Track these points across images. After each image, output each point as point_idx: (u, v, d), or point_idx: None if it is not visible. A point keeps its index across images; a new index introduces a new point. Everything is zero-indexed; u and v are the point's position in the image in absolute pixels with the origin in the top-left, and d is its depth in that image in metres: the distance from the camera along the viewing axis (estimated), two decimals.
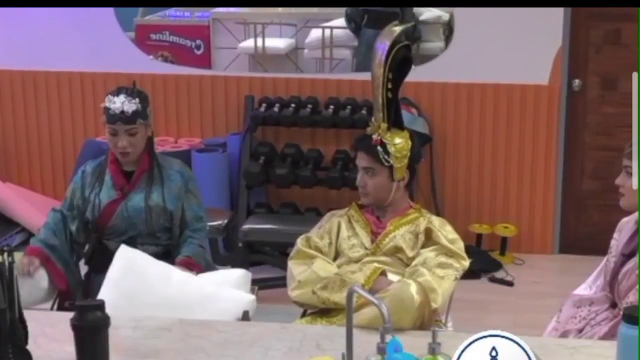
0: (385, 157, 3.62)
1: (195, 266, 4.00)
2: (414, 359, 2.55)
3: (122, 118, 4.00)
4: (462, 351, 2.39)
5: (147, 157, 4.14)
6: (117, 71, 6.81)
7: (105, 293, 3.57)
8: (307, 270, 3.60)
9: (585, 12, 6.34)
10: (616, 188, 3.48)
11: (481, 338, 2.40)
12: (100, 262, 3.96)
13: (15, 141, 7.00)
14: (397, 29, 3.63)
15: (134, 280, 3.66)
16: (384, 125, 3.62)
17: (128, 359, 2.94)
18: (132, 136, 4.04)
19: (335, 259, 3.72)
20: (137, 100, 4.03)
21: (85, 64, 6.85)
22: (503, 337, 2.40)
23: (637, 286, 3.33)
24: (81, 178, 4.18)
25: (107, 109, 4.03)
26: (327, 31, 7.30)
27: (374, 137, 3.64)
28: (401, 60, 3.62)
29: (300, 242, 3.75)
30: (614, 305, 3.47)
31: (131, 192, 4.11)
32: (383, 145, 3.62)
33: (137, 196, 4.10)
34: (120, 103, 4.00)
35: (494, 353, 2.38)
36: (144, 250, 3.93)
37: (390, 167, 3.64)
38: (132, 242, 4.01)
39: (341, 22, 7.30)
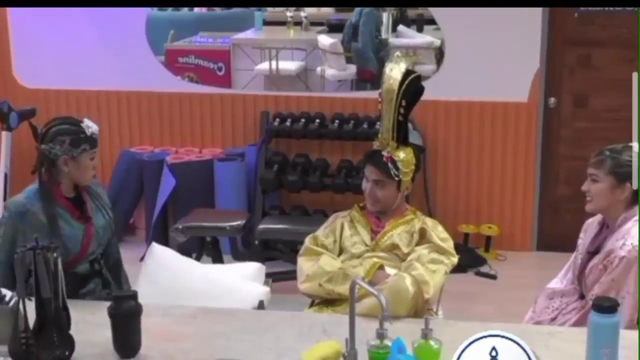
0: (396, 172, 3.61)
1: None
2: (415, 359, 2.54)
3: (98, 138, 3.56)
4: (463, 351, 2.29)
5: None
6: (149, 90, 6.84)
7: (138, 285, 3.58)
8: (314, 266, 3.59)
9: (560, 38, 6.33)
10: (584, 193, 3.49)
11: (481, 338, 2.29)
12: (75, 288, 3.49)
13: None
14: (404, 58, 3.62)
15: (163, 273, 3.67)
16: (393, 144, 3.61)
17: (158, 342, 2.94)
18: None
19: (339, 255, 3.72)
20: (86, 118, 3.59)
21: (121, 84, 6.87)
22: (503, 337, 2.29)
23: (602, 279, 3.33)
24: (27, 218, 3.44)
25: (90, 136, 3.48)
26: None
27: (384, 154, 3.62)
28: (415, 90, 3.61)
29: (308, 240, 3.74)
30: (582, 296, 3.47)
31: (93, 215, 3.59)
32: (393, 161, 3.61)
33: (97, 216, 3.61)
34: (94, 126, 3.53)
35: (494, 353, 2.27)
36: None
37: (399, 180, 3.63)
38: (97, 260, 3.65)
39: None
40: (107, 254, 3.75)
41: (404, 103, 3.57)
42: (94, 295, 3.61)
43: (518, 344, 2.29)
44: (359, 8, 7.05)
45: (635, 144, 3.05)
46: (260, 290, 3.70)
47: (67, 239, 3.47)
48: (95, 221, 3.59)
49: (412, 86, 3.58)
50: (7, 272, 3.36)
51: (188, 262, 3.86)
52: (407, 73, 3.57)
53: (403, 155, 3.62)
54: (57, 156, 3.45)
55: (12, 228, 3.44)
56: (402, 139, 3.63)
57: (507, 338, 2.29)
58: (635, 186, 3.08)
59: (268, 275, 4.00)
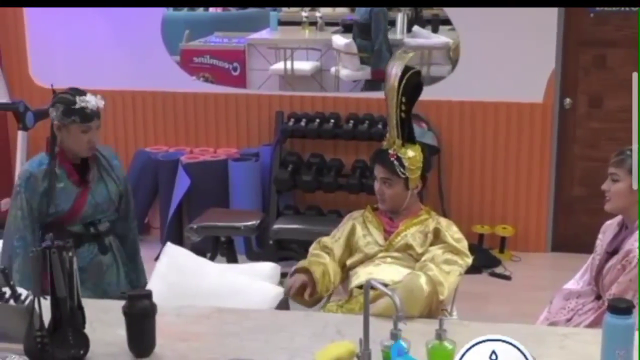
0: (401, 169, 3.60)
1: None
2: None
3: (97, 114, 3.68)
4: (463, 355, 2.29)
5: None
6: (164, 90, 6.86)
7: (153, 284, 3.58)
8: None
9: (576, 38, 6.32)
10: (601, 194, 3.47)
11: (481, 342, 2.29)
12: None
13: None
14: (407, 55, 3.62)
15: (178, 274, 3.68)
16: (398, 142, 3.61)
17: (172, 341, 2.94)
18: (98, 129, 3.73)
19: (344, 253, 3.74)
20: (98, 95, 3.74)
21: (137, 83, 6.90)
22: (503, 341, 2.28)
23: (620, 279, 3.31)
24: (30, 185, 3.69)
25: (81, 110, 3.63)
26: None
27: (390, 151, 3.62)
28: (414, 86, 3.61)
29: (312, 246, 3.79)
30: (598, 297, 3.46)
31: (92, 183, 3.76)
32: (399, 159, 3.61)
33: (99, 186, 3.78)
34: (94, 101, 3.66)
35: (493, 357, 2.27)
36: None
37: (406, 178, 3.63)
38: (93, 224, 3.79)
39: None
40: (123, 235, 3.95)
41: (404, 99, 3.56)
42: (87, 258, 3.76)
43: (518, 348, 2.28)
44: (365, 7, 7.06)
45: (635, 145, 3.03)
46: (274, 291, 3.70)
47: (58, 195, 3.68)
48: (94, 189, 3.75)
49: (411, 82, 3.57)
50: (29, 249, 3.40)
51: (202, 262, 3.87)
52: (406, 69, 3.56)
53: (411, 153, 3.61)
54: (53, 120, 3.67)
55: (23, 197, 3.69)
56: (407, 137, 3.63)
57: (507, 342, 2.29)
58: (635, 186, 3.06)
59: (282, 275, 4.00)
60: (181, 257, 3.79)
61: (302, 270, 3.58)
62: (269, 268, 3.91)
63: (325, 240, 3.79)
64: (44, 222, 3.73)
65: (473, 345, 2.29)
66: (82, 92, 3.69)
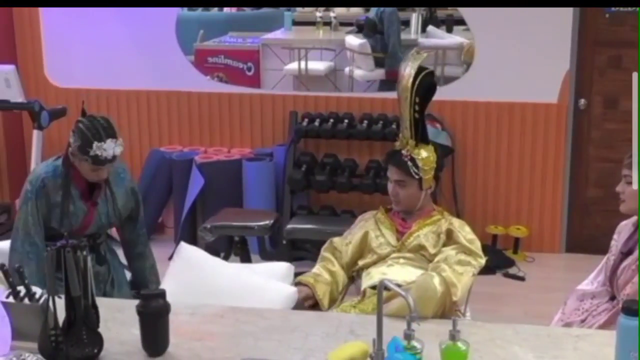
0: (415, 170, 3.60)
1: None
2: (415, 358, 2.54)
3: (111, 160, 3.60)
4: None
5: None
6: (178, 89, 6.88)
7: (167, 284, 3.59)
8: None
9: (591, 39, 6.30)
10: (616, 195, 3.46)
11: None
12: None
13: None
14: (421, 55, 3.62)
15: (191, 273, 3.67)
16: (411, 142, 3.61)
17: (186, 341, 2.95)
18: (110, 168, 3.69)
19: (353, 258, 3.75)
20: (121, 140, 3.62)
21: (152, 83, 6.91)
22: None
23: (635, 279, 3.30)
24: (43, 193, 3.69)
25: (95, 156, 3.55)
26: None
27: (404, 152, 3.62)
28: (427, 86, 3.60)
29: (324, 246, 3.80)
30: (612, 298, 3.45)
31: (99, 202, 3.77)
32: (412, 159, 3.61)
33: (106, 205, 3.79)
34: (111, 150, 3.56)
35: None
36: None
37: (420, 179, 3.63)
38: (92, 237, 3.81)
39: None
40: (131, 240, 4.01)
41: (417, 100, 3.56)
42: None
43: None
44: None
45: (635, 145, 3.02)
46: (288, 291, 3.70)
47: (71, 215, 3.71)
48: (100, 209, 3.78)
49: (425, 82, 3.57)
50: (42, 255, 3.52)
51: (216, 262, 3.87)
52: (420, 70, 3.56)
53: (424, 153, 3.62)
54: (70, 143, 3.63)
55: (34, 204, 3.69)
56: (420, 137, 3.63)
57: None
58: (635, 186, 3.05)
59: (296, 275, 4.00)
60: (195, 257, 3.79)
61: (307, 283, 3.64)
62: (283, 268, 3.91)
63: (337, 241, 3.80)
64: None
65: None
66: (103, 136, 3.56)
